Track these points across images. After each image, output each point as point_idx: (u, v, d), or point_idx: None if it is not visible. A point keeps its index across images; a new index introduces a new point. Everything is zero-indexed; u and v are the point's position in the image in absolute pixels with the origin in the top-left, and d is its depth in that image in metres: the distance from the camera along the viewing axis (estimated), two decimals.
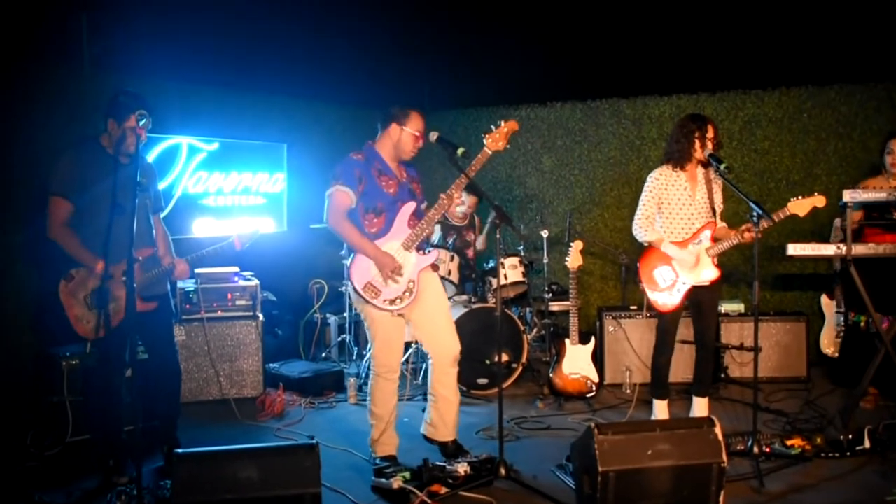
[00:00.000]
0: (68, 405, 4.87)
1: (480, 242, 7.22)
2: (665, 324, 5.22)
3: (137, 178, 3.75)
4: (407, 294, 4.52)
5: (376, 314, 4.56)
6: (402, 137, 4.56)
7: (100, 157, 4.20)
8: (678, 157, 5.07)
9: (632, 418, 5.53)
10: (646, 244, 5.23)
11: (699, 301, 5.14)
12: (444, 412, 4.76)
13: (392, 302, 4.51)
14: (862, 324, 5.85)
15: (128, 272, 3.65)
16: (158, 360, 4.55)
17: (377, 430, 4.66)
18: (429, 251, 4.65)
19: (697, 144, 4.99)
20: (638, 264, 5.27)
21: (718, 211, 5.17)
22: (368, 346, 6.57)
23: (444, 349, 4.70)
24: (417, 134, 4.56)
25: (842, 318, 6.51)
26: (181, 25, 6.34)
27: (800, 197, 4.83)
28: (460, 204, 6.84)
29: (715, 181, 5.17)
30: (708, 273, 5.04)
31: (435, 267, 4.76)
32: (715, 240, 5.06)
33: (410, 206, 4.59)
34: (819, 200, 4.79)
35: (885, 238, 5.40)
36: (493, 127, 4.59)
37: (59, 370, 4.89)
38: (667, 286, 5.10)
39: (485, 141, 4.53)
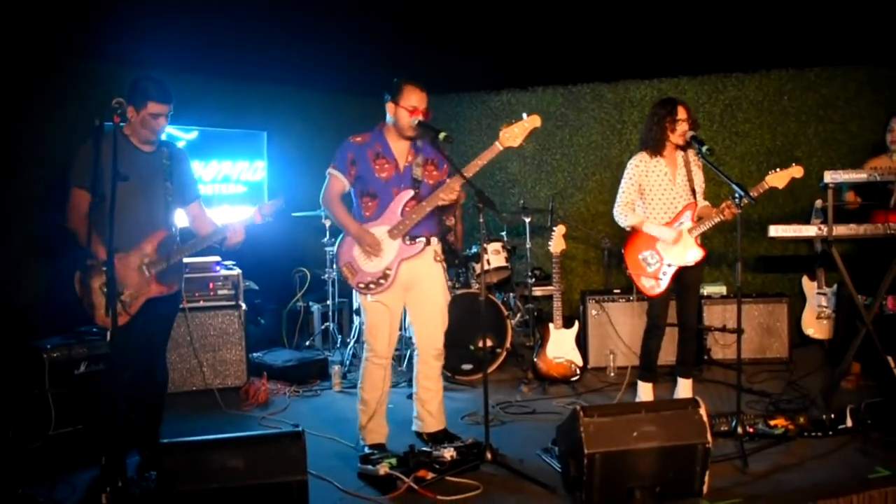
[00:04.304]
0: (50, 398, 4.82)
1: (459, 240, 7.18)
2: (655, 308, 5.23)
3: (116, 168, 3.69)
4: (382, 280, 4.48)
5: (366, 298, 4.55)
6: (398, 115, 4.44)
7: (122, 147, 4.10)
8: (653, 144, 5.12)
9: (617, 401, 5.55)
10: (628, 229, 5.24)
11: (683, 282, 5.17)
12: (426, 401, 4.78)
13: (366, 286, 4.49)
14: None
15: (107, 264, 3.60)
16: (148, 356, 4.45)
17: (364, 416, 4.64)
18: (417, 242, 4.51)
19: (669, 129, 5.02)
20: (623, 251, 5.28)
21: (700, 191, 5.20)
22: (353, 331, 6.59)
23: (427, 342, 4.72)
24: (412, 109, 4.39)
25: (823, 300, 6.56)
26: (159, 13, 6.27)
27: (777, 170, 4.86)
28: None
29: (695, 163, 5.20)
30: (693, 254, 5.06)
31: (438, 258, 4.67)
32: (697, 220, 5.08)
33: (407, 194, 4.49)
34: (797, 171, 4.83)
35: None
36: (512, 119, 4.33)
37: (41, 363, 4.84)
38: (653, 270, 5.12)
39: (499, 134, 4.30)
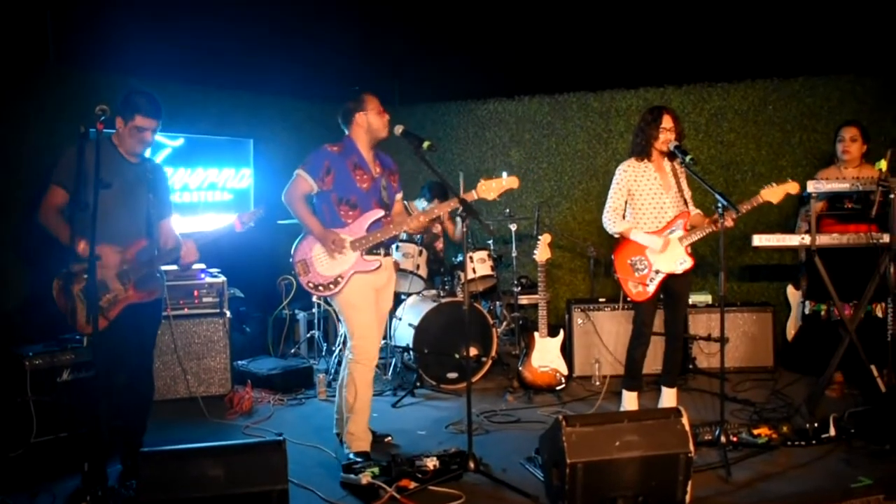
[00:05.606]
0: (32, 406, 4.79)
1: (459, 233, 7.22)
2: (642, 315, 5.23)
3: (99, 175, 3.68)
4: (331, 285, 4.58)
5: (355, 300, 4.59)
6: (369, 121, 4.64)
7: (108, 154, 4.11)
8: (639, 150, 5.16)
9: (599, 409, 5.56)
10: (616, 235, 5.25)
11: (671, 290, 5.18)
12: (343, 406, 4.85)
13: (315, 287, 4.62)
14: (823, 313, 5.90)
15: (89, 270, 3.59)
16: (133, 365, 4.43)
17: (354, 423, 4.63)
18: (373, 260, 4.62)
19: (653, 136, 5.05)
20: (612, 256, 5.28)
21: (688, 199, 5.21)
22: (339, 339, 6.58)
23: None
24: (379, 110, 4.65)
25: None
26: (146, 21, 6.27)
27: (773, 184, 4.88)
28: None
29: (681, 171, 5.21)
30: (682, 262, 5.07)
31: (396, 264, 4.81)
32: (689, 228, 5.09)
33: (378, 213, 4.64)
34: (793, 187, 4.87)
35: (840, 228, 5.45)
36: (493, 175, 4.60)
37: (23, 370, 4.81)
38: (641, 276, 5.12)
39: (478, 185, 4.52)
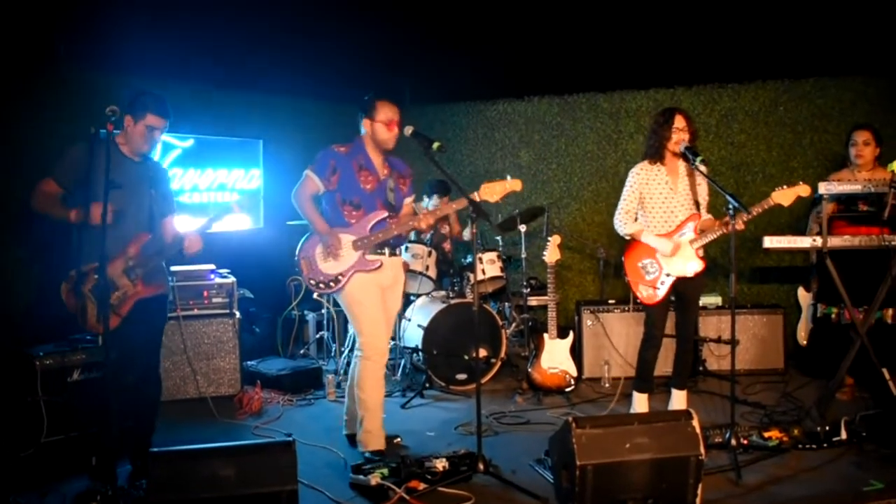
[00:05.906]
0: (43, 405, 4.80)
1: (468, 233, 7.21)
2: (653, 318, 5.21)
3: (109, 176, 3.71)
4: (332, 283, 4.65)
5: (359, 295, 4.63)
6: (374, 130, 4.67)
7: (112, 154, 4.13)
8: (652, 153, 5.13)
9: (611, 412, 5.54)
10: (627, 237, 5.23)
11: (682, 293, 5.15)
12: (352, 407, 4.89)
13: (316, 284, 4.69)
14: (833, 315, 5.87)
15: (100, 270, 3.60)
16: (140, 363, 4.46)
17: (368, 421, 4.66)
18: (375, 260, 4.66)
19: (665, 137, 5.02)
20: (623, 258, 5.26)
21: (703, 203, 5.18)
22: (347, 340, 6.57)
23: None
24: (388, 122, 4.64)
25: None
26: (155, 21, 6.27)
27: (784, 187, 4.84)
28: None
29: (698, 174, 5.18)
30: (692, 265, 5.04)
31: (406, 265, 4.81)
32: (700, 231, 5.06)
33: (382, 214, 4.69)
34: (803, 189, 4.81)
35: (852, 230, 5.42)
36: (497, 177, 4.61)
37: (33, 370, 4.82)
38: (652, 279, 5.09)
39: (481, 187, 4.51)
